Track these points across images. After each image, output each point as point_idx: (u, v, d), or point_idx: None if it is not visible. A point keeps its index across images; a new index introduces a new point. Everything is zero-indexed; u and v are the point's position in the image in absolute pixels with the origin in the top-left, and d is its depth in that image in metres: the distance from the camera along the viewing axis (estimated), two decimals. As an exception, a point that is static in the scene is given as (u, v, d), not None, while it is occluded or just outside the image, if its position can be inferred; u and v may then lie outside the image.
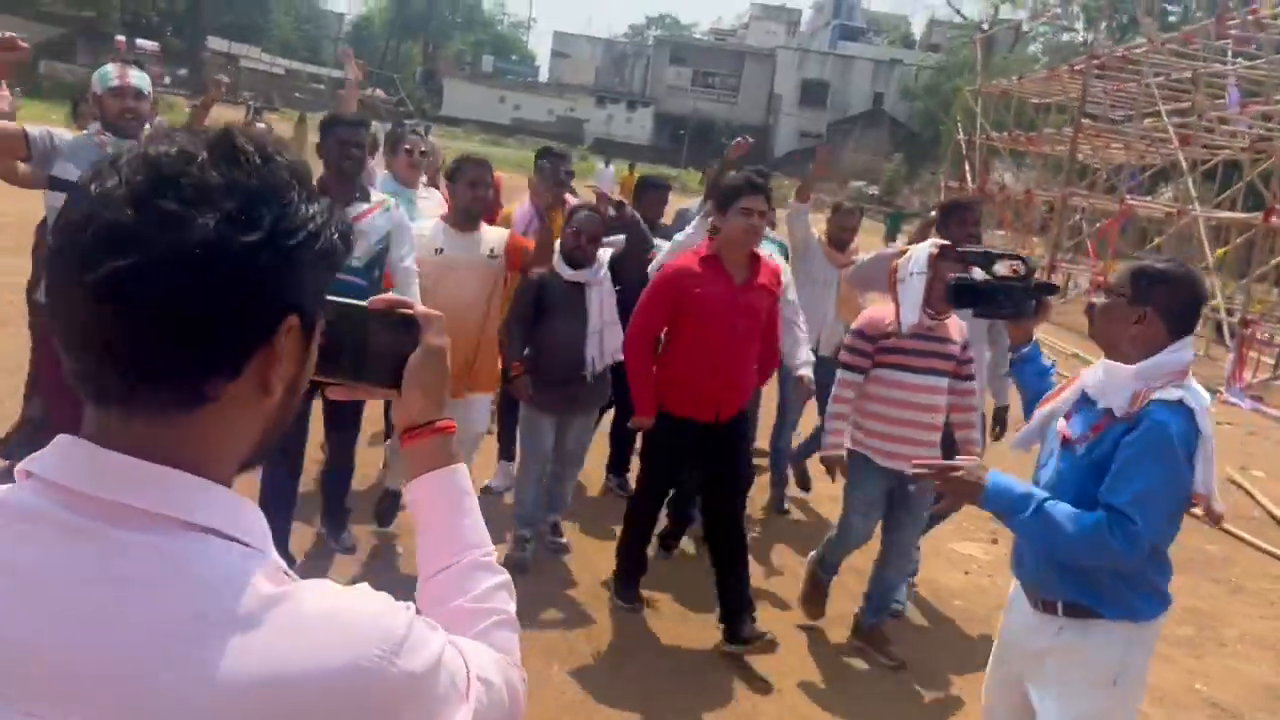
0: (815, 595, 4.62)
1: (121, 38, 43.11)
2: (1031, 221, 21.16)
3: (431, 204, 5.63)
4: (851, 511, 4.37)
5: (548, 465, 4.99)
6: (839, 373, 4.31)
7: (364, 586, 0.92)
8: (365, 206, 4.24)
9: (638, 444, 5.45)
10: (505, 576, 1.22)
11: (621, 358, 4.68)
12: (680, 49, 64.95)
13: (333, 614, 0.85)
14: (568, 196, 5.83)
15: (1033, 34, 39.98)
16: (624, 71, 66.27)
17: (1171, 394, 2.49)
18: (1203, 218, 15.00)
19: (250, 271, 0.84)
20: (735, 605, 4.29)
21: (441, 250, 4.61)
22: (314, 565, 4.50)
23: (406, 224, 4.44)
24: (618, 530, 4.82)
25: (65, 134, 4.20)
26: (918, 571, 5.13)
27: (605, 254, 4.90)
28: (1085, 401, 2.66)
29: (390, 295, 1.26)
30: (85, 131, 4.15)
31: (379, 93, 52.28)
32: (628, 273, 5.08)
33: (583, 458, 5.20)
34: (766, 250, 5.02)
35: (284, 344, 0.90)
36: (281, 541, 3.98)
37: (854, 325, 4.33)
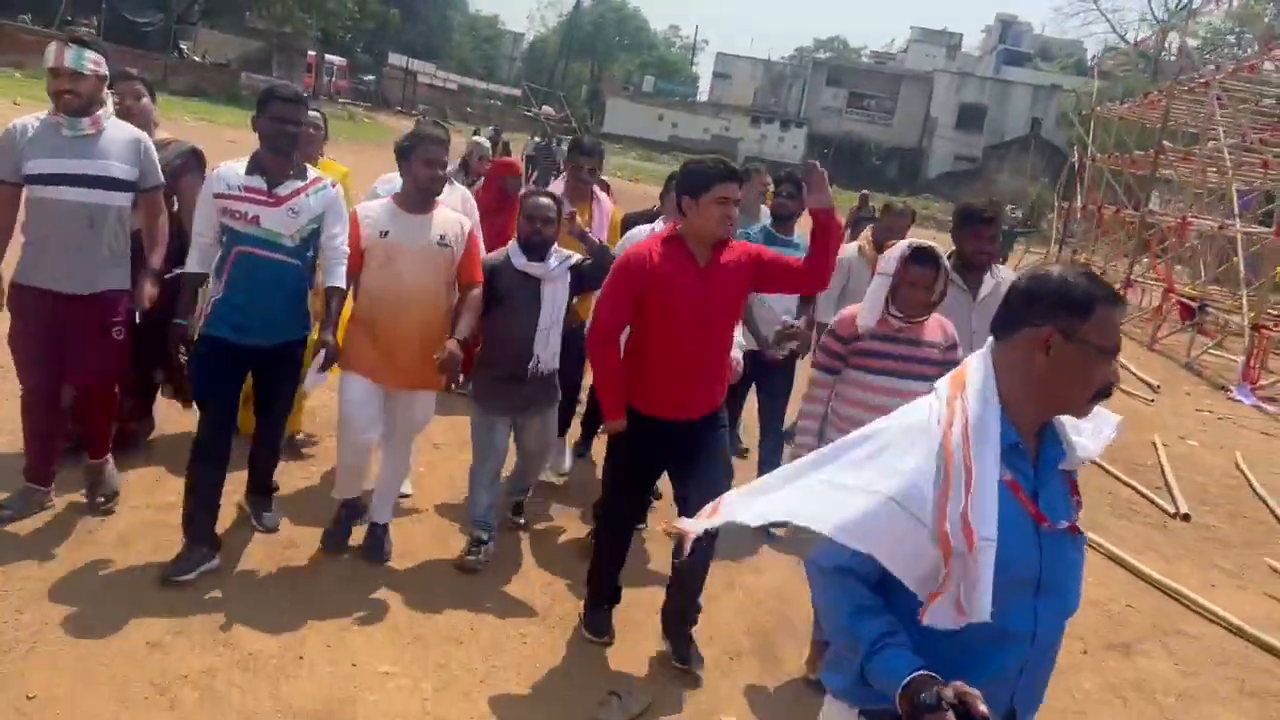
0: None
1: (312, 53, 47.49)
2: (1181, 250, 20.48)
3: (452, 199, 5.38)
4: None
5: (501, 466, 4.75)
6: (812, 373, 4.11)
7: None
8: (299, 184, 4.10)
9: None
10: None
11: (556, 365, 4.63)
12: (837, 71, 65.91)
13: None
14: (595, 190, 5.92)
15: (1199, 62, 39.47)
16: (781, 92, 67.64)
17: None
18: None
19: None
20: (681, 623, 4.03)
21: (387, 233, 4.28)
22: (233, 541, 4.38)
23: (340, 203, 4.23)
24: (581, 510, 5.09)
25: (31, 124, 4.09)
26: None
27: (566, 254, 4.63)
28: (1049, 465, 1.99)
29: None
30: (45, 121, 4.10)
31: (548, 109, 55.49)
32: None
33: (546, 454, 4.99)
34: (753, 240, 5.01)
35: None
36: (207, 534, 4.10)
37: (831, 323, 4.12)
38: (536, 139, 28.89)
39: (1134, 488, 7.77)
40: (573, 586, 4.53)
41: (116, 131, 4.20)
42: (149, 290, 4.30)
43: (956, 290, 4.32)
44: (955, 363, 3.90)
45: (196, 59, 42.31)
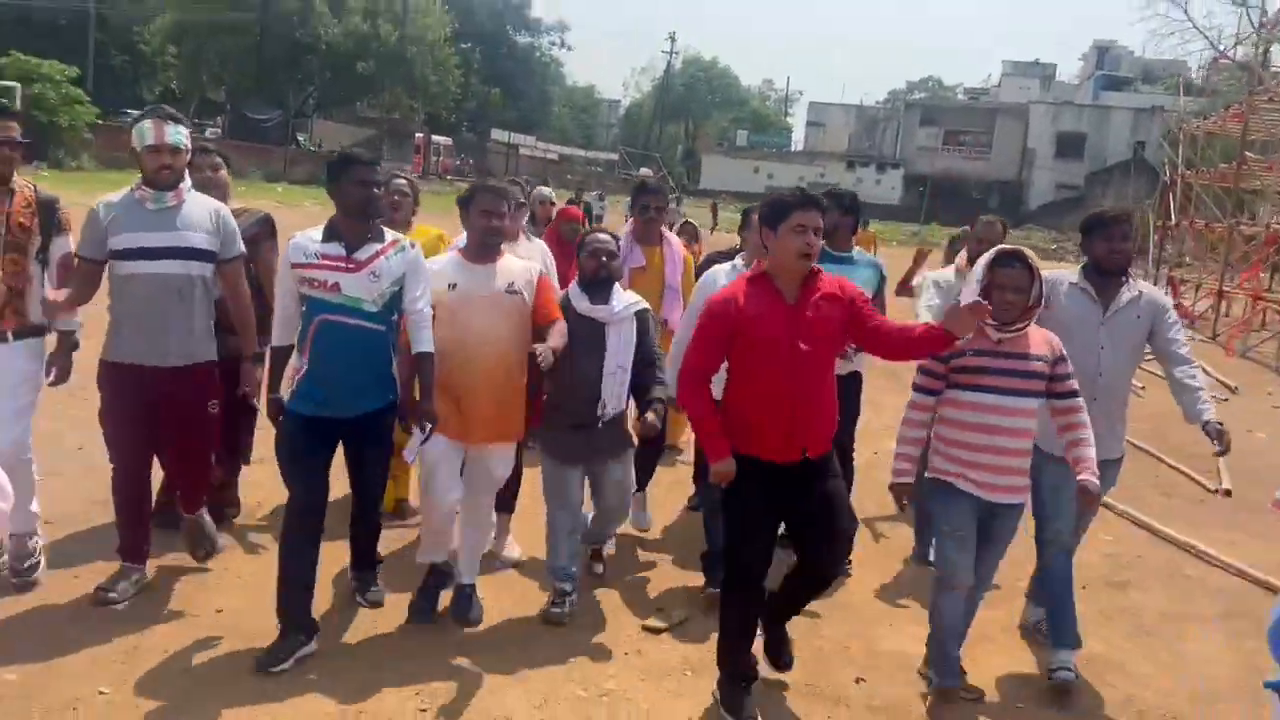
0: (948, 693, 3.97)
1: (419, 135, 50.15)
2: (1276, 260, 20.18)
3: (531, 253, 5.30)
4: (945, 547, 3.92)
5: (578, 517, 4.61)
6: (911, 396, 3.95)
7: None
8: (378, 247, 3.99)
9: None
10: None
11: (624, 407, 4.53)
12: (931, 110, 66.15)
13: None
14: (663, 231, 5.79)
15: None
16: (875, 136, 68.09)
17: None
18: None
19: None
20: (779, 642, 4.04)
21: (455, 285, 4.20)
22: (337, 620, 4.24)
23: (422, 264, 4.12)
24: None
25: (111, 200, 4.15)
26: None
27: (630, 297, 4.56)
28: None
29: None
30: (128, 190, 4.15)
31: (645, 171, 57.07)
32: None
33: (624, 507, 4.79)
34: (862, 273, 4.91)
35: None
36: (302, 611, 3.92)
37: None
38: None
39: (1176, 468, 8.15)
40: (664, 640, 4.37)
41: (196, 203, 4.21)
42: (253, 375, 4.37)
43: (1087, 300, 4.23)
44: (1066, 377, 3.81)
45: (313, 149, 45.18)
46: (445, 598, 4.44)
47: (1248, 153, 19.10)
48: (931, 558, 4.63)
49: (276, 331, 4.08)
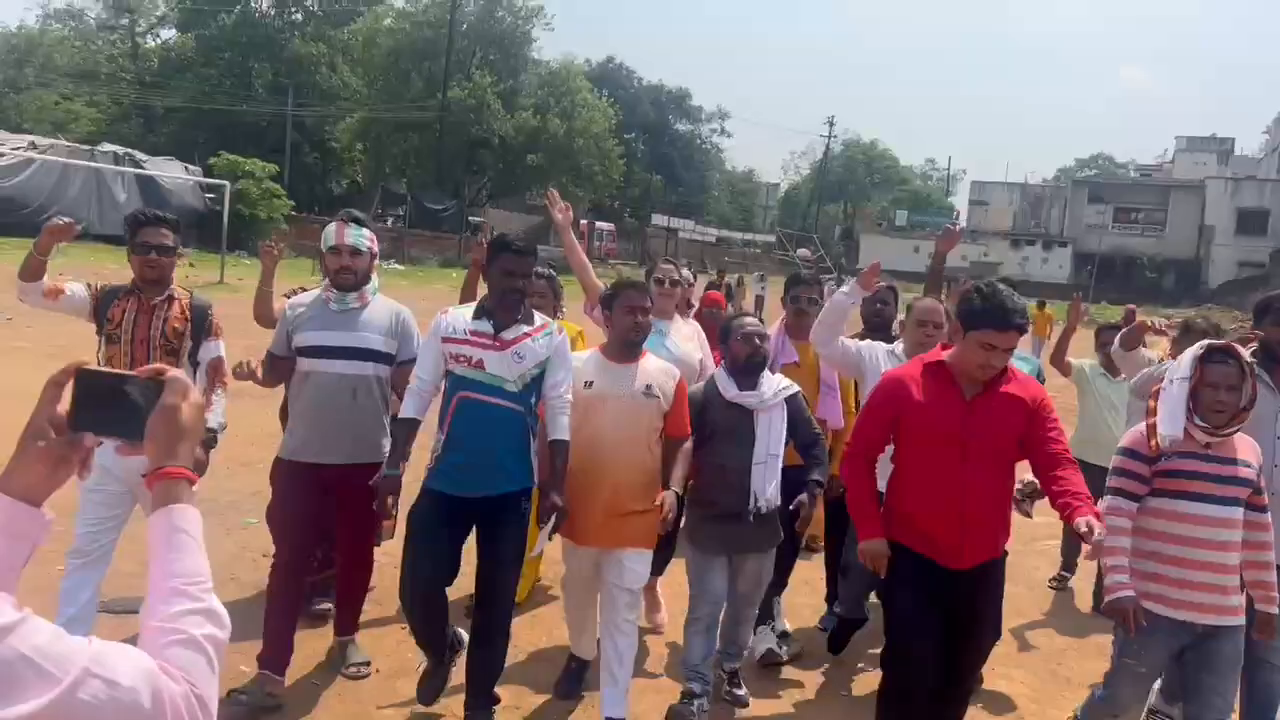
0: None
1: (585, 221, 52.04)
2: None
3: (688, 331, 5.40)
4: (1120, 680, 3.60)
5: (719, 611, 4.41)
6: (1109, 500, 3.60)
7: None
8: (526, 329, 3.98)
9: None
10: (203, 604, 1.33)
11: (777, 500, 4.29)
12: (1099, 187, 64.45)
13: None
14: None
15: None
16: (1041, 214, 66.65)
17: None
18: None
19: None
20: None
21: (591, 384, 4.12)
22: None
23: (567, 351, 4.09)
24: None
25: (305, 301, 4.32)
26: None
27: (781, 381, 4.43)
28: None
29: (155, 365, 1.48)
30: (318, 296, 4.31)
31: (803, 251, 57.56)
32: None
33: (760, 599, 4.56)
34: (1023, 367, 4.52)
35: None
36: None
37: (1122, 443, 3.68)
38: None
39: None
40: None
41: (379, 305, 4.34)
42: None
43: (1263, 388, 3.84)
44: (1261, 490, 3.49)
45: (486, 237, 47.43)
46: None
47: None
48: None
49: (407, 402, 4.03)
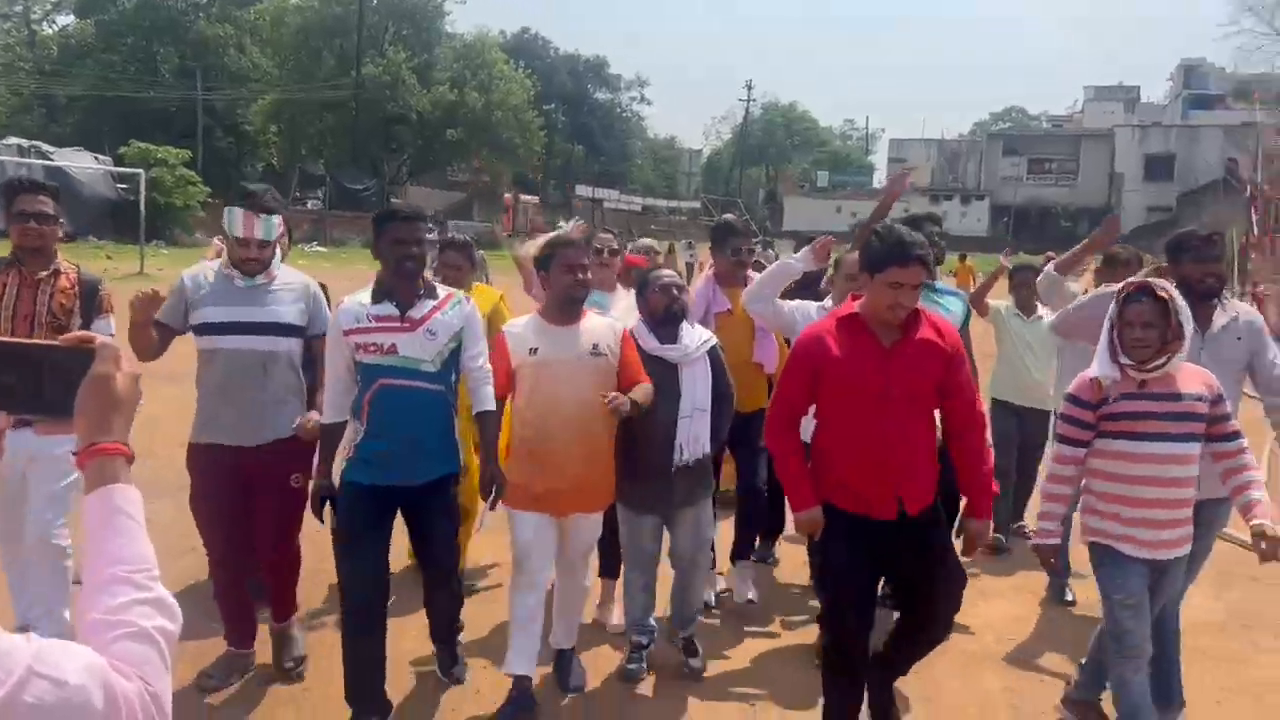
0: None
1: (509, 195, 51.81)
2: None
3: (629, 303, 5.03)
4: (1121, 618, 3.54)
5: (654, 569, 4.39)
6: (1055, 448, 3.70)
7: None
8: (432, 303, 3.80)
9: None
10: (151, 593, 1.23)
11: (704, 452, 4.23)
12: (1013, 140, 65.84)
13: None
14: (749, 275, 5.32)
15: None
16: (958, 168, 67.85)
17: None
18: None
19: None
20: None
21: (535, 350, 3.94)
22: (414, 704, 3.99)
23: (477, 319, 3.95)
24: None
25: (205, 275, 4.03)
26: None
27: (703, 333, 4.37)
28: None
29: (80, 332, 1.35)
30: (217, 266, 4.07)
31: (727, 217, 57.75)
32: None
33: (703, 558, 4.45)
34: (948, 306, 4.78)
35: None
36: (373, 691, 3.80)
37: (1067, 390, 3.67)
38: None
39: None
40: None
41: (287, 277, 4.11)
42: (310, 424, 4.05)
43: None
44: (1225, 417, 3.48)
45: (407, 214, 46.96)
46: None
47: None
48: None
49: (328, 408, 3.84)
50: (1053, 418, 6.13)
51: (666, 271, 4.42)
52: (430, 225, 4.13)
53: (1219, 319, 3.98)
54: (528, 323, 4.08)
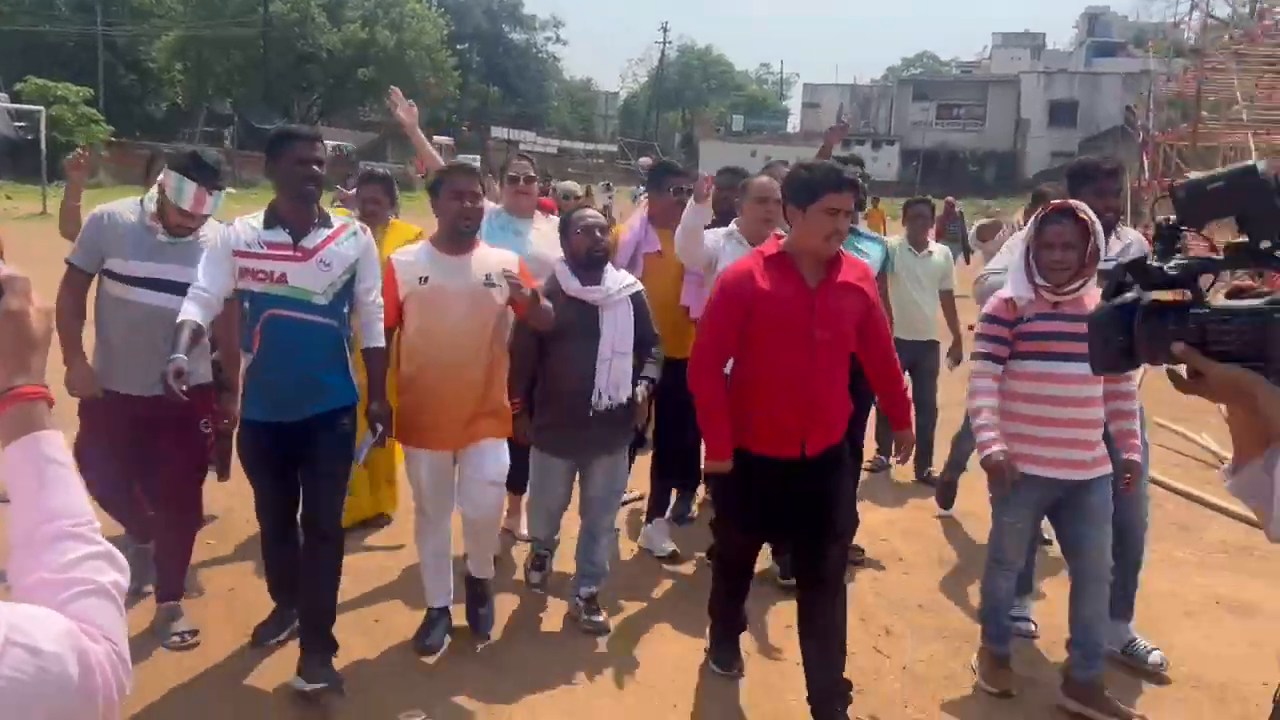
0: (997, 669, 3.85)
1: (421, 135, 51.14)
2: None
3: (546, 229, 5.02)
4: (1004, 539, 3.73)
5: (559, 509, 4.39)
6: (975, 364, 3.72)
7: None
8: (326, 232, 3.63)
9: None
10: (100, 547, 1.15)
11: (625, 398, 4.15)
12: (923, 85, 66.99)
13: None
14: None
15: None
16: (870, 113, 68.87)
17: None
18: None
19: None
20: (823, 691, 3.48)
21: (426, 279, 3.83)
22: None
23: (374, 251, 3.79)
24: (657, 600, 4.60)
25: (122, 217, 3.88)
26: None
27: (625, 276, 4.28)
28: None
29: None
30: (137, 209, 3.92)
31: (644, 160, 57.90)
32: None
33: (615, 506, 4.40)
34: (868, 252, 4.80)
35: None
36: (292, 587, 3.82)
37: (984, 310, 3.74)
38: (637, 189, 31.67)
39: (1187, 436, 7.91)
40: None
41: (207, 233, 3.95)
42: (232, 409, 4.08)
43: None
44: None
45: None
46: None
47: (1204, 112, 20.07)
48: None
49: (186, 305, 3.51)
50: (942, 347, 6.68)
51: (590, 212, 4.33)
52: (343, 157, 3.82)
53: (1115, 246, 4.05)
54: (419, 250, 3.99)
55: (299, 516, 3.83)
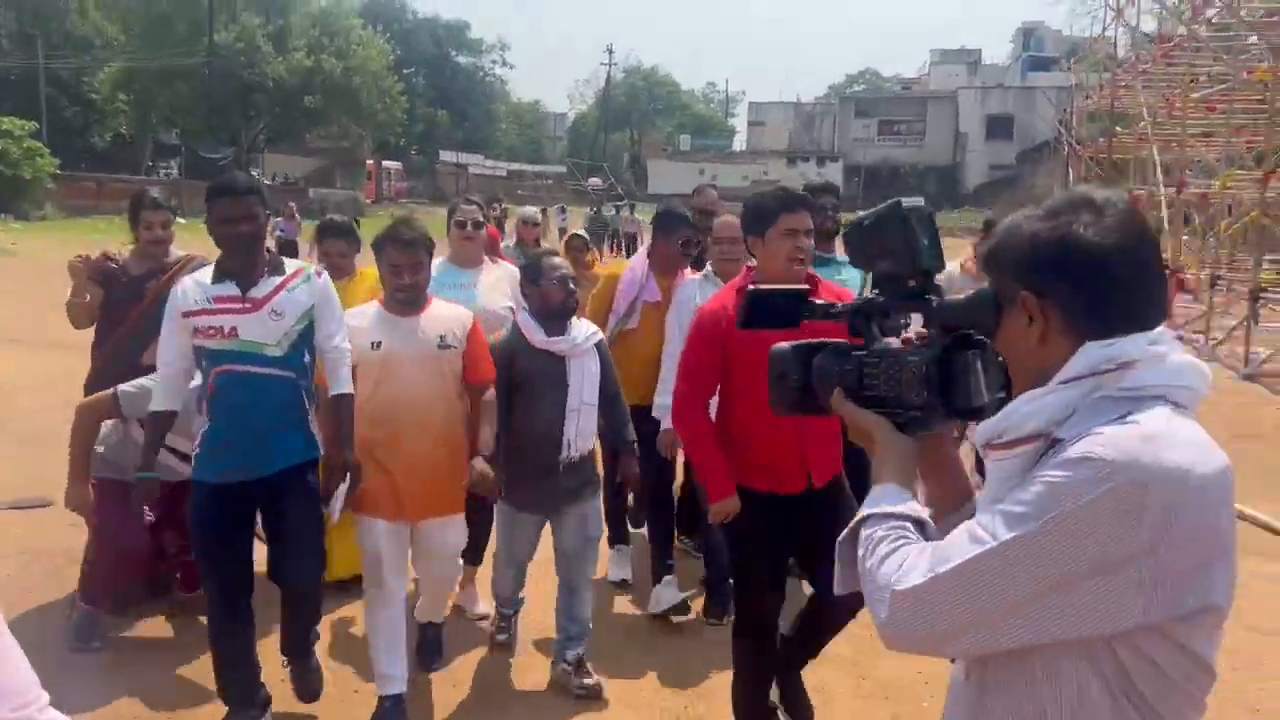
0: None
1: (371, 161, 51.45)
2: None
3: (494, 279, 4.86)
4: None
5: (524, 567, 4.29)
6: None
7: None
8: (277, 280, 3.50)
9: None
10: None
11: (589, 449, 4.09)
12: (864, 102, 68.33)
13: None
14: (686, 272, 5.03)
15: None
16: (814, 131, 70.09)
17: None
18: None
19: None
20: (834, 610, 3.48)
21: (379, 344, 3.73)
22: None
23: (333, 296, 3.63)
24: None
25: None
26: None
27: (589, 326, 4.16)
28: None
29: None
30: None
31: (594, 181, 58.62)
32: None
33: (591, 557, 4.20)
34: (847, 279, 4.55)
35: None
36: (248, 689, 3.59)
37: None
38: (590, 210, 32.42)
39: None
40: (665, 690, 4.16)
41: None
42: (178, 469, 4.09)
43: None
44: None
45: (268, 182, 46.47)
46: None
47: (1118, 126, 21.03)
48: None
49: (157, 395, 3.58)
50: None
51: (559, 261, 4.14)
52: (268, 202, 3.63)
53: None
54: (368, 314, 3.86)
55: (273, 576, 3.79)
